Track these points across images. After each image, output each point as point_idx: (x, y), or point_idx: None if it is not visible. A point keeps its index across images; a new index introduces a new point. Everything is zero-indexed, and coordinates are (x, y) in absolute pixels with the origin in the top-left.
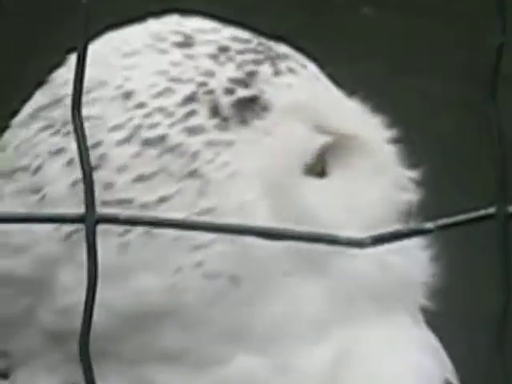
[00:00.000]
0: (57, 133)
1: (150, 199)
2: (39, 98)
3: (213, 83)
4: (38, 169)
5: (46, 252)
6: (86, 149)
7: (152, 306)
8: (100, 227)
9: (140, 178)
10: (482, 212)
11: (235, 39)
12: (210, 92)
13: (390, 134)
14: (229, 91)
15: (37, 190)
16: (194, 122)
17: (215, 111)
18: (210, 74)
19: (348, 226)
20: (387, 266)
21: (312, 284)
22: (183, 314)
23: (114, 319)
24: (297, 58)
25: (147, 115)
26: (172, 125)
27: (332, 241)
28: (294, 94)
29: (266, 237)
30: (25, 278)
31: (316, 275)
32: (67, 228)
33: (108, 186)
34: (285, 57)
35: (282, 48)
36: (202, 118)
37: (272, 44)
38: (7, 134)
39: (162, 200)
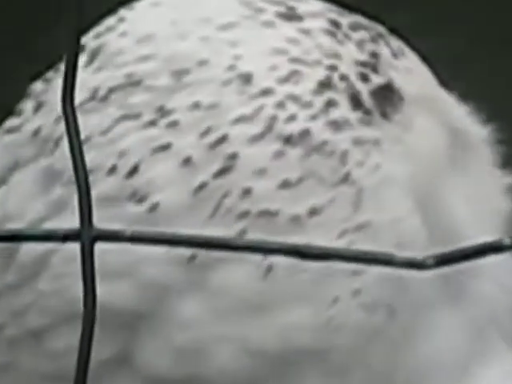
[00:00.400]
0: (151, 124)
1: (299, 211)
2: (97, 75)
3: (343, 67)
4: (133, 170)
5: (158, 277)
6: (81, 149)
7: (301, 344)
8: None
9: (285, 184)
10: None
11: (335, 11)
12: (345, 77)
13: (487, 131)
14: (363, 77)
15: (140, 198)
16: (336, 114)
17: (356, 102)
18: (336, 55)
19: (479, 235)
20: (506, 289)
21: (453, 314)
22: (335, 353)
23: (253, 360)
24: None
25: (280, 105)
26: (313, 117)
27: (387, 261)
28: (415, 80)
29: (310, 257)
30: (123, 310)
31: (456, 303)
32: (188, 250)
33: (246, 192)
34: (388, 35)
35: (376, 24)
36: (344, 110)
37: (363, 18)
38: (50, 119)
39: (314, 212)
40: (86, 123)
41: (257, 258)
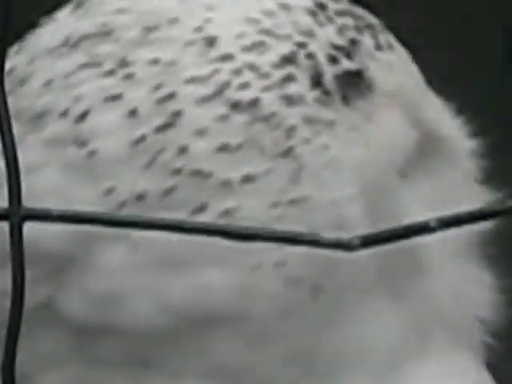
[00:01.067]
0: (110, 74)
1: (232, 176)
2: (76, 22)
3: (313, 46)
4: (83, 115)
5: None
6: (10, 129)
7: (216, 307)
8: None
9: (223, 148)
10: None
11: None
12: (311, 56)
13: (474, 144)
14: (332, 59)
15: (81, 143)
16: (292, 89)
17: (317, 81)
18: (310, 33)
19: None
20: (462, 296)
21: (390, 307)
22: (250, 322)
23: (166, 316)
24: (389, 33)
25: (236, 72)
26: (266, 88)
27: (313, 242)
28: (396, 76)
29: (234, 237)
30: (52, 251)
31: (395, 298)
32: (119, 196)
33: (183, 150)
34: (380, 28)
35: (371, 17)
36: (301, 87)
37: (360, 9)
38: (24, 60)
39: (248, 179)
40: (53, 66)
41: (182, 216)
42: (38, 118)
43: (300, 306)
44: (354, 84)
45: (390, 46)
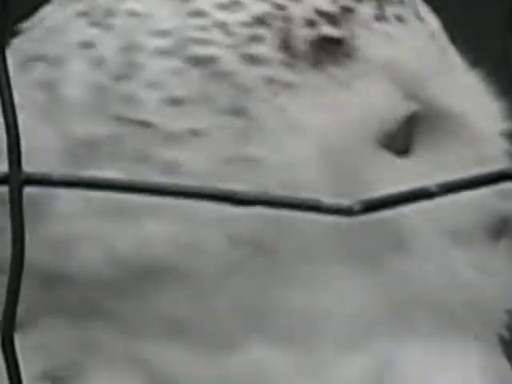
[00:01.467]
0: (95, 24)
1: (178, 128)
2: None
3: (294, 9)
4: (60, 61)
5: (46, 164)
6: (10, 92)
7: (158, 260)
8: None
9: (172, 101)
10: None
11: None
12: (287, 19)
13: (502, 126)
14: (310, 24)
15: (51, 87)
16: (256, 49)
17: (286, 44)
18: None
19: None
20: (458, 281)
21: (360, 280)
22: (195, 276)
23: (112, 265)
24: (416, 7)
25: (203, 28)
26: (229, 47)
27: (314, 207)
28: (393, 48)
29: (233, 202)
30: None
31: (368, 271)
32: (76, 140)
33: (131, 100)
34: (399, 2)
35: None
36: (267, 48)
37: None
38: (42, 9)
39: (194, 133)
40: (56, 13)
41: (126, 164)
42: (28, 61)
43: (245, 265)
44: (330, 50)
45: (400, 19)
